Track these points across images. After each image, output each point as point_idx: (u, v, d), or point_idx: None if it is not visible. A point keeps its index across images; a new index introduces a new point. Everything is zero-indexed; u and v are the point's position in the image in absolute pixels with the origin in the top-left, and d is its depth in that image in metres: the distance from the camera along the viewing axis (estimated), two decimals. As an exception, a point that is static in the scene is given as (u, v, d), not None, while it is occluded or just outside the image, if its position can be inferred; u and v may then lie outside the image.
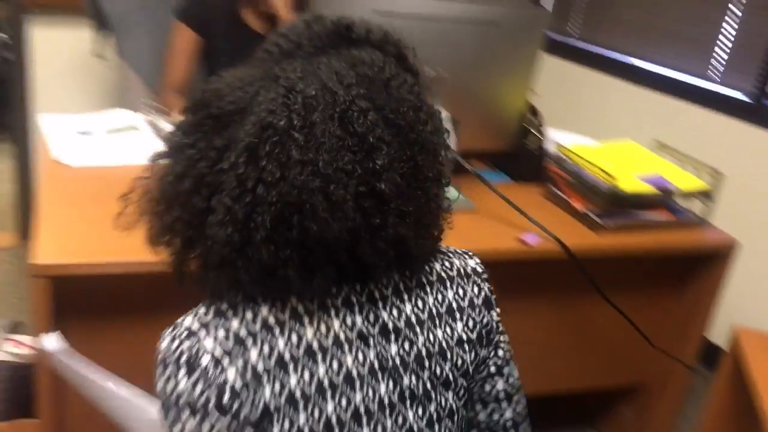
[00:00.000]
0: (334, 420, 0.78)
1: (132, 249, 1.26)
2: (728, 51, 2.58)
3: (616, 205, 1.70)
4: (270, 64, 0.77)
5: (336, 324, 0.79)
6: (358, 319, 0.81)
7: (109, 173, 1.59)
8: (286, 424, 0.76)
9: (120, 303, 1.36)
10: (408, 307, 0.84)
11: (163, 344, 0.76)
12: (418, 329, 0.84)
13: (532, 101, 1.87)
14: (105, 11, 2.22)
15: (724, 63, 2.60)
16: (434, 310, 0.86)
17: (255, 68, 0.78)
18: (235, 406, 0.74)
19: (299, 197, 0.70)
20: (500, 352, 0.95)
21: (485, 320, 0.92)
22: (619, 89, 2.88)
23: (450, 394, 0.87)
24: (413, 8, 1.60)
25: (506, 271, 1.66)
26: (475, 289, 0.92)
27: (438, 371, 0.85)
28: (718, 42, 2.60)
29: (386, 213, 0.74)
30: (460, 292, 0.90)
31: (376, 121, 0.73)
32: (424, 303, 0.86)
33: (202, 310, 0.78)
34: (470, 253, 0.95)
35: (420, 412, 0.84)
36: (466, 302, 0.90)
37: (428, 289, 0.87)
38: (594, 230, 1.68)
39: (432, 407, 0.85)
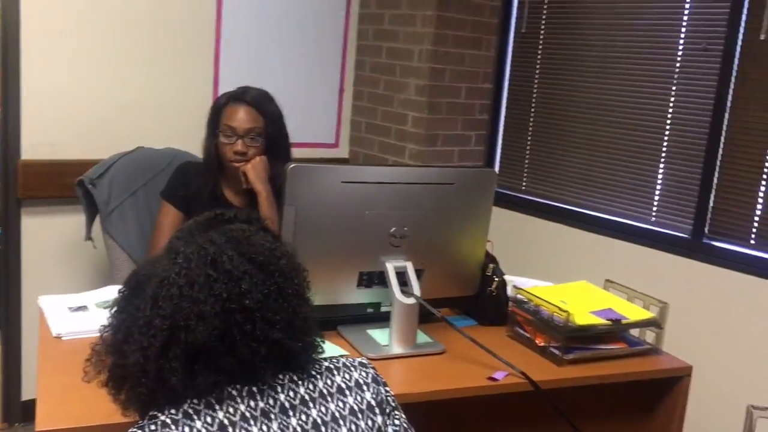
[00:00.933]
0: None
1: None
2: (666, 195, 2.85)
3: (575, 339, 1.85)
4: (168, 246, 1.11)
5: (242, 407, 1.02)
6: (260, 403, 1.03)
7: (103, 343, 1.70)
8: None
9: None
10: (301, 389, 1.07)
11: None
12: (311, 404, 1.07)
13: (490, 250, 2.06)
14: (95, 199, 2.42)
15: (663, 206, 2.86)
16: (325, 390, 1.09)
17: (164, 251, 1.12)
18: None
19: (179, 319, 1.00)
20: (396, 421, 1.14)
21: (375, 393, 1.13)
22: (569, 235, 3.12)
23: None
24: (376, 176, 1.82)
25: (478, 409, 1.77)
26: (363, 373, 1.14)
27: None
28: (656, 187, 2.88)
29: (254, 321, 1.03)
30: (347, 376, 1.13)
31: (240, 261, 1.05)
32: (314, 386, 1.09)
33: (171, 410, 1.01)
34: (359, 359, 1.19)
35: None
36: (353, 383, 1.12)
37: (318, 377, 1.10)
38: (557, 364, 1.81)
39: None
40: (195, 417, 0.99)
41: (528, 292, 1.97)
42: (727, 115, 2.65)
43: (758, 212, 2.58)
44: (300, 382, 1.08)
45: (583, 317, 1.86)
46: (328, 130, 3.58)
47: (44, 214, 2.84)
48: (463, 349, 1.82)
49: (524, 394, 1.70)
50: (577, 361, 1.83)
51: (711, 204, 2.71)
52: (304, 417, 1.05)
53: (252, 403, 1.03)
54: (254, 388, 1.04)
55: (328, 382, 1.10)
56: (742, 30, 2.59)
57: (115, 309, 1.10)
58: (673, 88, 2.81)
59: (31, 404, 1.35)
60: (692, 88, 2.76)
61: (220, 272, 1.03)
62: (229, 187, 2.29)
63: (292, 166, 1.73)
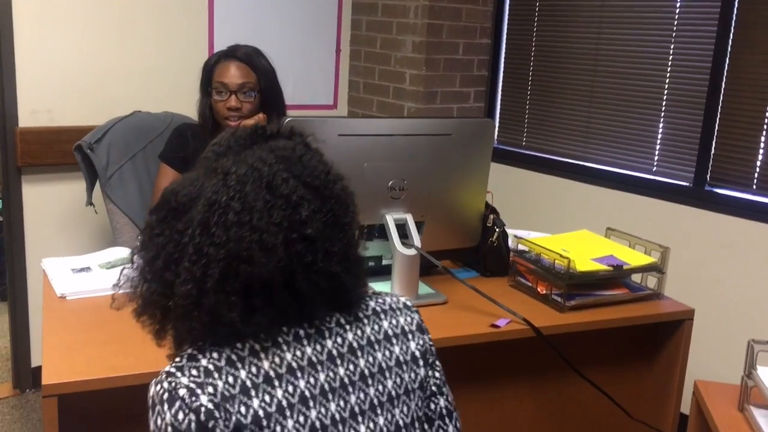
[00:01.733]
0: (317, 423, 0.94)
1: (131, 364, 1.39)
2: (667, 144, 2.83)
3: (576, 286, 1.85)
4: (209, 164, 1.01)
5: (288, 356, 0.96)
6: (308, 350, 0.98)
7: (106, 301, 1.71)
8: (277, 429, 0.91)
9: (124, 419, 1.45)
10: (350, 336, 1.02)
11: (150, 391, 0.93)
12: (359, 353, 1.02)
13: (491, 202, 2.06)
14: (94, 164, 2.42)
15: (664, 155, 2.85)
16: (372, 338, 1.04)
17: (198, 169, 1.02)
18: (211, 424, 0.89)
19: (239, 249, 0.92)
20: (437, 374, 1.11)
21: (420, 343, 1.08)
22: (570, 188, 3.11)
23: (396, 411, 1.03)
24: (374, 129, 1.81)
25: (481, 356, 1.79)
26: (408, 318, 1.09)
27: (381, 388, 1.02)
28: (657, 137, 2.86)
29: (315, 252, 0.96)
30: (393, 321, 1.07)
31: (296, 185, 0.97)
32: (363, 332, 1.03)
33: (176, 359, 0.95)
34: (399, 295, 1.14)
35: (371, 426, 1.00)
36: (399, 330, 1.07)
37: (365, 321, 1.04)
38: (559, 311, 1.81)
39: (381, 421, 1.01)
40: (239, 365, 0.93)
41: (529, 242, 1.97)
42: (727, 61, 2.62)
43: (760, 157, 2.56)
44: (348, 327, 1.02)
45: (584, 264, 1.86)
46: (326, 92, 3.55)
47: (44, 181, 2.84)
48: (465, 299, 1.83)
49: (527, 342, 1.71)
50: (578, 307, 1.83)
51: (713, 151, 2.69)
52: (351, 367, 1.00)
53: (299, 352, 0.96)
54: (301, 332, 0.98)
55: (375, 327, 1.04)
56: (742, -28, 2.55)
57: (150, 231, 0.98)
58: (673, 34, 2.78)
59: (41, 370, 1.36)
60: (692, 34, 2.72)
61: (277, 197, 0.95)
62: (227, 148, 2.28)
63: (287, 119, 1.72)
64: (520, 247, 1.99)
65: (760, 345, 1.36)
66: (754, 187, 2.58)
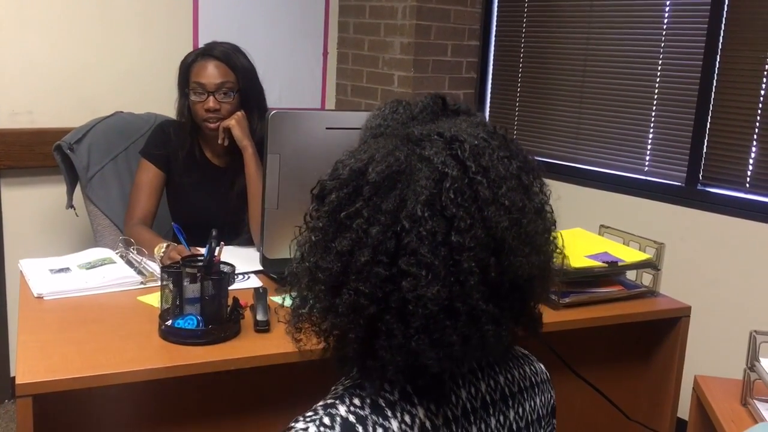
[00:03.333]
0: None
1: (111, 363, 1.33)
2: (658, 144, 2.81)
3: (571, 284, 1.81)
4: (399, 132, 0.80)
5: (463, 393, 0.79)
6: (482, 387, 0.80)
7: (85, 301, 1.66)
8: None
9: (100, 420, 1.39)
10: (501, 379, 0.85)
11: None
12: (510, 401, 0.85)
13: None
14: (74, 164, 2.35)
15: (656, 155, 2.82)
16: (522, 384, 0.88)
17: (384, 139, 0.79)
18: None
19: (494, 237, 0.71)
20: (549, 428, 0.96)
21: (549, 398, 0.95)
22: (561, 190, 3.05)
23: None
24: (361, 122, 1.75)
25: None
26: (547, 396, 0.93)
27: None
28: (648, 137, 2.84)
29: (551, 250, 0.79)
30: (534, 368, 0.93)
31: (518, 167, 0.78)
32: (513, 377, 0.87)
33: (355, 400, 0.74)
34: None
35: None
36: (539, 378, 0.92)
37: (514, 367, 0.88)
38: (553, 308, 1.77)
39: None
40: (389, 412, 0.73)
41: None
42: (718, 59, 2.60)
43: (753, 155, 2.54)
44: (498, 370, 0.83)
45: (578, 261, 1.82)
46: (313, 95, 3.51)
47: (24, 185, 2.77)
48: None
49: (521, 340, 1.66)
50: (573, 304, 1.79)
51: (705, 150, 2.66)
52: (502, 418, 0.83)
53: (473, 389, 0.79)
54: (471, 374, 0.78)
55: (521, 372, 0.88)
56: (731, -30, 2.54)
57: (333, 214, 0.74)
58: (663, 33, 2.76)
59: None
60: (683, 32, 2.70)
61: (512, 177, 0.75)
62: (209, 149, 2.22)
63: (273, 112, 1.67)
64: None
65: (763, 336, 1.32)
66: (747, 185, 2.56)
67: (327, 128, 1.70)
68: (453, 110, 0.85)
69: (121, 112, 2.57)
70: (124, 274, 1.80)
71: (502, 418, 0.82)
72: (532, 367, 0.89)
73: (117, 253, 1.94)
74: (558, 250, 0.82)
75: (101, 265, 1.85)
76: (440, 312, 0.69)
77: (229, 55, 2.12)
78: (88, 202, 2.38)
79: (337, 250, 0.72)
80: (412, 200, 0.71)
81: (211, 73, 2.09)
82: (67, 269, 1.82)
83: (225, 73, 2.10)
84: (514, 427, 0.83)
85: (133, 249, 1.93)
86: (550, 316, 1.73)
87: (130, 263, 1.88)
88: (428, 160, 0.73)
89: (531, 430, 0.86)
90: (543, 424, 0.89)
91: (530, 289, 0.76)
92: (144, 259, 1.89)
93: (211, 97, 2.08)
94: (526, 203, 0.75)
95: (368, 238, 0.71)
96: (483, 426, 0.79)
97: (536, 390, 0.88)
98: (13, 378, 2.81)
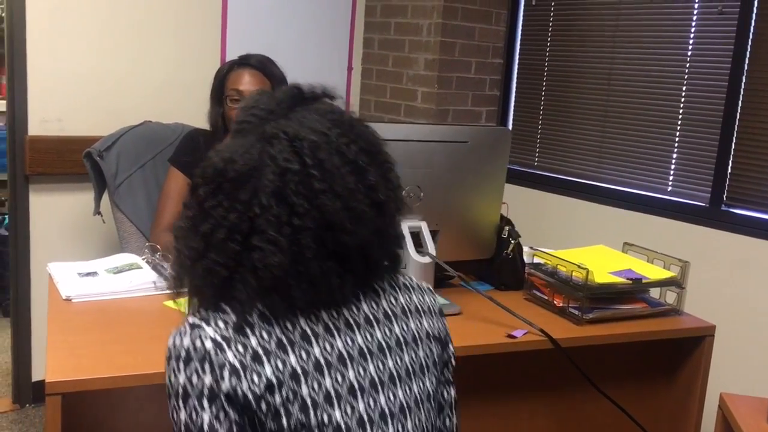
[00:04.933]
0: (332, 393, 0.92)
1: (139, 364, 1.34)
2: (682, 163, 2.80)
3: (594, 300, 1.80)
4: (257, 130, 0.96)
5: (324, 315, 0.95)
6: (345, 312, 0.97)
7: (112, 305, 1.68)
8: (290, 395, 0.90)
9: (125, 421, 1.40)
10: (384, 303, 1.02)
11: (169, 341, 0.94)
12: (393, 320, 1.01)
13: (505, 213, 2.02)
14: (103, 171, 2.39)
15: (680, 175, 2.81)
16: (406, 308, 1.04)
17: (244, 137, 0.96)
18: (234, 382, 0.88)
19: (328, 219, 0.91)
20: (450, 367, 1.11)
21: (441, 327, 1.08)
22: (584, 209, 3.06)
23: (426, 380, 1.02)
24: (389, 134, 1.75)
25: (496, 369, 1.73)
26: (429, 300, 1.09)
27: (414, 356, 1.01)
28: (672, 156, 2.83)
29: (385, 217, 0.97)
30: (423, 298, 1.08)
31: (357, 150, 0.95)
32: (396, 301, 1.03)
33: (219, 323, 0.92)
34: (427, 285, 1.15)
35: (407, 390, 0.99)
36: (425, 308, 1.07)
37: (397, 294, 1.05)
38: (577, 323, 1.76)
39: (415, 388, 1.00)
40: (248, 331, 0.91)
41: (545, 254, 1.92)
42: (744, 79, 2.59)
43: (778, 177, 2.52)
44: (383, 294, 1.02)
45: (602, 277, 1.81)
46: (337, 110, 3.53)
47: (52, 191, 2.81)
48: (480, 310, 1.78)
49: (543, 354, 1.66)
50: (597, 320, 1.78)
51: (729, 170, 2.65)
52: (387, 331, 1.00)
53: (335, 313, 0.96)
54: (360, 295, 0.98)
55: (407, 298, 1.05)
56: (758, -9, 2.54)
57: (201, 204, 0.94)
58: (689, 53, 2.76)
59: (42, 385, 1.30)
60: (708, 52, 2.70)
61: (348, 163, 0.93)
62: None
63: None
64: (536, 259, 1.94)
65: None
66: (772, 207, 2.54)
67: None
68: (309, 97, 1.01)
69: (150, 121, 2.60)
70: (150, 279, 1.82)
71: (387, 331, 0.99)
72: (419, 297, 1.06)
73: (143, 259, 1.97)
74: (399, 211, 1.00)
75: (128, 270, 1.88)
76: (285, 275, 0.90)
77: (264, 64, 2.20)
78: (115, 209, 2.41)
79: (202, 232, 0.93)
80: (262, 192, 0.90)
81: (248, 80, 2.17)
82: (94, 273, 1.85)
83: (261, 81, 2.17)
84: (402, 338, 1.00)
85: (159, 255, 1.96)
86: (572, 331, 1.73)
87: (156, 269, 1.91)
88: (274, 158, 0.92)
89: (420, 344, 1.02)
90: (434, 344, 1.05)
91: (369, 251, 0.95)
92: (170, 266, 1.90)
93: None
94: (359, 185, 0.93)
95: (226, 222, 0.91)
96: (368, 336, 0.97)
97: (421, 314, 1.05)
98: (35, 383, 2.85)
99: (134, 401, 1.40)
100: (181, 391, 0.90)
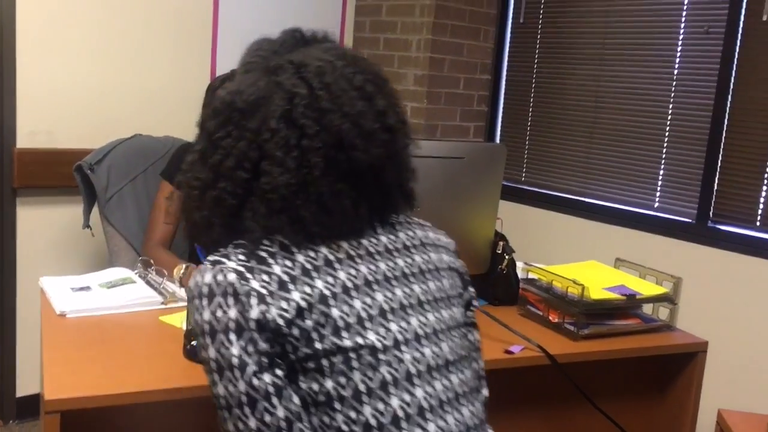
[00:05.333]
0: (364, 314, 0.92)
1: (140, 381, 1.33)
2: (669, 180, 2.84)
3: (589, 315, 1.82)
4: (261, 66, 0.98)
5: (345, 244, 0.96)
6: (365, 242, 0.98)
7: (107, 320, 1.66)
8: (321, 318, 0.89)
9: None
10: (401, 236, 1.03)
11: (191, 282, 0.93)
12: (413, 250, 1.02)
13: (499, 229, 2.03)
14: (94, 185, 2.37)
15: (666, 191, 2.85)
16: (424, 241, 1.06)
17: (250, 73, 0.98)
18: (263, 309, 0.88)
19: (338, 137, 0.91)
20: (472, 308, 1.13)
21: (460, 265, 1.12)
22: (572, 224, 3.09)
23: (454, 309, 1.04)
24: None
25: (494, 383, 1.73)
26: (446, 239, 1.13)
27: (439, 284, 1.03)
28: (659, 173, 2.87)
29: (396, 143, 0.97)
30: (440, 237, 1.11)
31: (363, 79, 0.97)
32: (414, 235, 1.05)
33: (240, 255, 0.91)
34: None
35: (438, 315, 1.00)
36: (443, 245, 1.10)
37: (413, 229, 1.06)
38: (572, 339, 1.77)
39: (445, 314, 1.01)
40: (270, 260, 0.91)
41: (540, 270, 1.94)
42: (730, 98, 2.64)
43: (764, 193, 2.57)
44: (400, 227, 1.03)
45: (597, 293, 1.83)
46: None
47: (40, 204, 2.78)
48: (476, 325, 1.79)
49: (539, 371, 1.67)
50: (592, 336, 1.79)
51: (716, 187, 2.69)
52: (409, 260, 1.00)
53: (374, 240, 0.98)
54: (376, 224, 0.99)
55: (422, 232, 1.07)
56: (743, 12, 2.60)
57: (210, 136, 0.95)
58: (675, 71, 2.81)
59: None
60: (694, 71, 2.75)
61: (354, 89, 0.94)
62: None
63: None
64: (530, 275, 1.96)
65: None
66: (758, 223, 2.58)
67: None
68: (309, 39, 1.03)
69: (141, 134, 2.59)
70: (145, 294, 1.80)
71: (409, 260, 1.00)
72: (435, 235, 1.10)
73: (136, 273, 1.95)
74: (410, 142, 1.01)
75: (122, 284, 1.86)
76: (292, 195, 0.91)
77: None
78: (105, 222, 2.39)
79: (211, 164, 0.94)
80: (271, 117, 0.92)
81: None
82: (87, 288, 1.83)
83: None
84: (424, 267, 1.01)
85: (153, 270, 1.94)
86: (569, 347, 1.74)
87: (149, 284, 1.89)
88: (281, 84, 0.93)
89: (443, 274, 1.04)
90: (457, 277, 1.08)
91: (381, 172, 0.96)
92: (164, 280, 1.89)
93: None
94: (367, 108, 0.94)
95: (235, 151, 0.92)
96: (390, 263, 0.97)
97: (439, 248, 1.07)
98: (20, 399, 2.80)
99: (132, 418, 1.39)
100: (207, 327, 0.89)
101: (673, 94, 2.81)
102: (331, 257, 0.93)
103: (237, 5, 3.15)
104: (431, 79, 3.22)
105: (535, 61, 3.30)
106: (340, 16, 3.46)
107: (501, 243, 2.01)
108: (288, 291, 0.89)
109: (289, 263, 0.91)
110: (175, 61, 3.01)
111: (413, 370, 0.92)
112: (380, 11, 3.38)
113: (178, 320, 1.65)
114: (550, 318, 1.85)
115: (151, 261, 1.97)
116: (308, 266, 0.91)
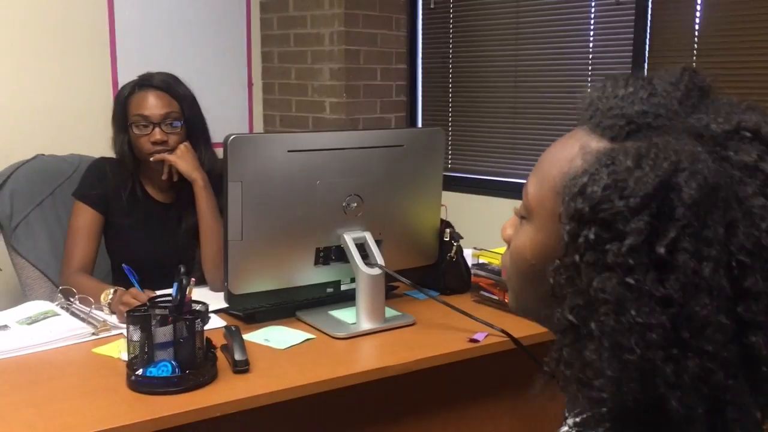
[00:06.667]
0: None
1: (82, 423, 1.18)
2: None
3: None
4: (675, 126, 0.61)
5: None
6: None
7: (33, 359, 1.49)
8: None
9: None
10: None
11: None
12: None
13: (444, 216, 1.97)
14: (-2, 215, 2.16)
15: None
16: None
17: (670, 137, 0.59)
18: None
19: None
20: None
21: None
22: (500, 206, 3.06)
23: None
24: (325, 143, 1.68)
25: (462, 374, 1.67)
26: None
27: None
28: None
29: None
30: None
31: None
32: None
33: None
34: None
35: None
36: None
37: None
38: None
39: None
40: None
41: (490, 253, 1.88)
42: (645, 66, 2.68)
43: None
44: None
45: (551, 269, 1.79)
46: (240, 128, 3.39)
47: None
48: (434, 318, 1.72)
49: (504, 357, 1.61)
50: (551, 314, 1.75)
51: (641, 155, 2.73)
52: None
53: None
54: None
55: None
56: (651, -20, 2.64)
57: (627, 253, 0.55)
58: (591, 44, 2.83)
59: None
60: (609, 42, 2.78)
61: None
62: (152, 185, 2.07)
63: (232, 137, 1.56)
64: (481, 260, 1.90)
65: None
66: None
67: (289, 151, 1.62)
68: (702, 88, 0.65)
69: (42, 154, 2.37)
70: (71, 326, 1.63)
71: None
72: None
73: (57, 305, 1.77)
74: None
75: (44, 318, 1.68)
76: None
77: (169, 84, 2.00)
78: (13, 253, 2.18)
79: (661, 298, 0.55)
80: (747, 225, 0.56)
81: (154, 103, 1.96)
82: (5, 327, 1.64)
83: (168, 103, 1.97)
84: None
85: (76, 299, 1.76)
86: (531, 328, 1.67)
87: (75, 314, 1.71)
88: (751, 168, 0.57)
89: None
90: None
91: None
92: (91, 309, 1.72)
93: (157, 129, 1.94)
94: None
95: (700, 279, 0.55)
96: None
97: None
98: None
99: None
100: None
101: (590, 67, 2.84)
102: None
103: (134, 7, 2.96)
104: (348, 72, 3.13)
105: (450, 45, 3.27)
106: (245, 15, 3.32)
107: (448, 230, 1.95)
108: None
109: None
110: (71, 71, 2.79)
111: None
112: (287, 6, 3.27)
113: (115, 350, 1.50)
114: (506, 301, 1.80)
115: (73, 289, 1.79)
116: None
